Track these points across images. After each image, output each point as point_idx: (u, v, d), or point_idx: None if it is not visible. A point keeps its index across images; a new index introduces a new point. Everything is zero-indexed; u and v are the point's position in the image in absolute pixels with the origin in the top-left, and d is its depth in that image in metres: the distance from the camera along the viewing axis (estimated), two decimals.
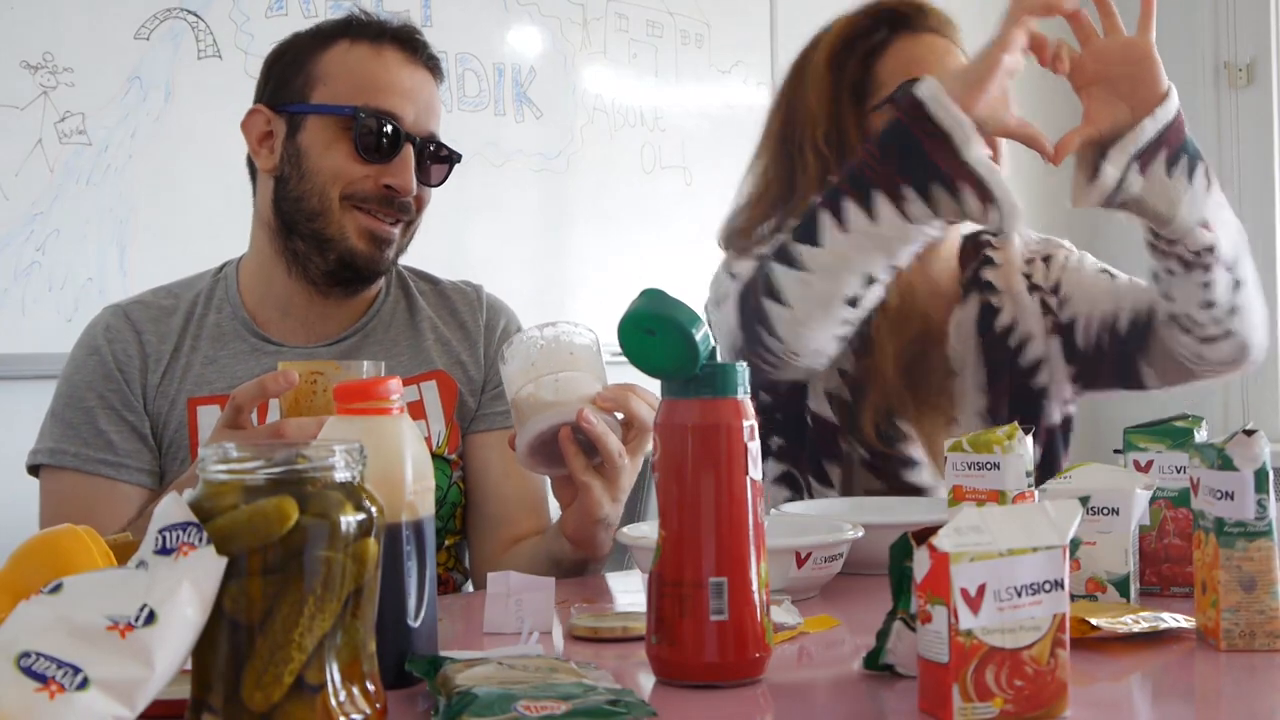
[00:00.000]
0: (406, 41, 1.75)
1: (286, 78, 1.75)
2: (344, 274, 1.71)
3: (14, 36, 2.56)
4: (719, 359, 1.02)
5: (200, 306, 1.76)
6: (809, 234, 1.58)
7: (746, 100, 3.72)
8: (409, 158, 1.70)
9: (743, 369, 1.03)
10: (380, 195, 1.70)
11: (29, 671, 0.77)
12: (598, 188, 3.45)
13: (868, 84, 1.84)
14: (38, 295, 2.55)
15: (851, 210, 1.55)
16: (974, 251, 1.95)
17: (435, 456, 1.71)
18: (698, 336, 1.00)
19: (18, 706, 0.75)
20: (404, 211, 1.71)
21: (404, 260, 1.84)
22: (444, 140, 1.77)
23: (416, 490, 1.02)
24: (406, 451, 1.01)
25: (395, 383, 1.02)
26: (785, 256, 1.61)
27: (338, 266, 1.71)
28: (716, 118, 3.69)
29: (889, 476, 1.82)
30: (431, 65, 1.77)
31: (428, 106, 1.74)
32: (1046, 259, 1.93)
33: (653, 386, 1.05)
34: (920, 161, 1.50)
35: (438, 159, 1.75)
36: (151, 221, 2.64)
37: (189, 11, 2.72)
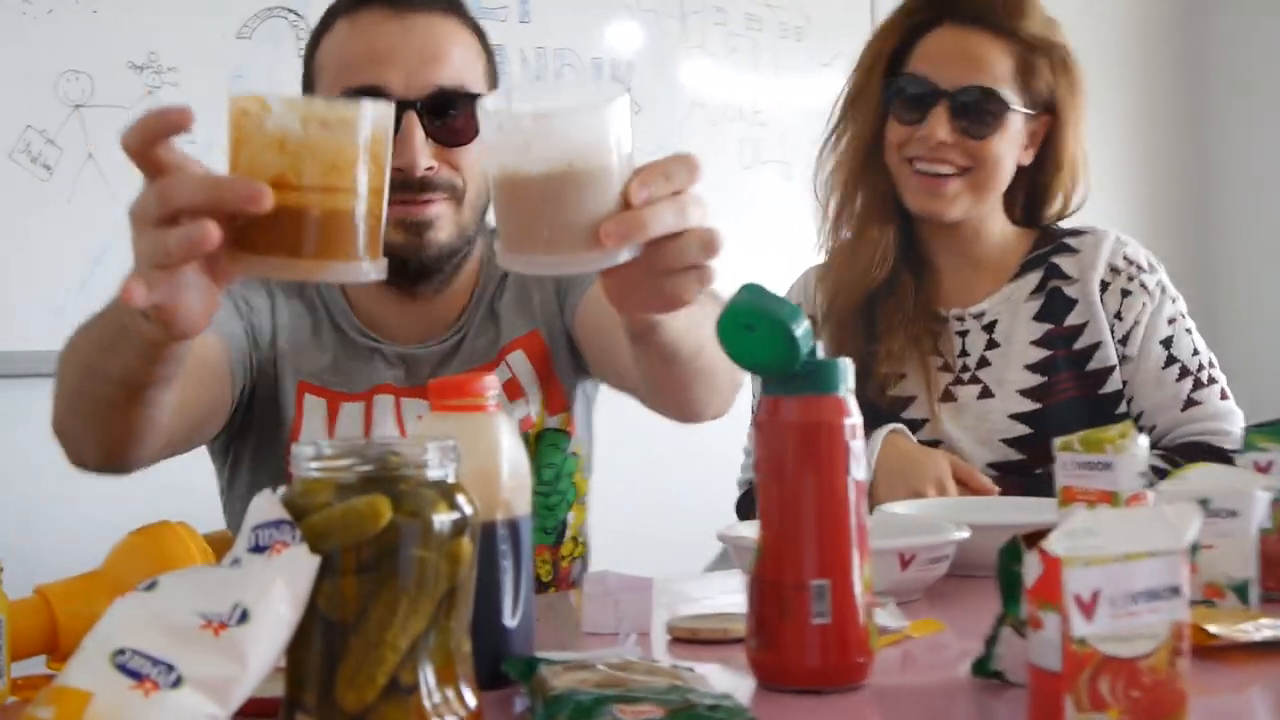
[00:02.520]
0: None
1: (305, 80, 1.64)
2: (403, 272, 1.54)
3: (119, 37, 2.60)
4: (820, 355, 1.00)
5: (319, 298, 1.65)
6: None
7: None
8: (410, 129, 1.49)
9: (845, 365, 1.00)
10: (394, 184, 1.42)
11: (124, 669, 0.76)
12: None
13: (903, 58, 1.89)
14: None
15: None
16: (1049, 237, 1.95)
17: (548, 431, 1.66)
18: (798, 332, 0.97)
19: (113, 704, 0.75)
20: (431, 189, 1.52)
21: None
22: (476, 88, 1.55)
23: (512, 488, 1.00)
24: (502, 449, 1.00)
25: (491, 379, 1.01)
26: None
27: (391, 270, 1.55)
28: (817, 111, 3.63)
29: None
30: (429, 3, 1.56)
31: (425, 55, 1.52)
32: (1127, 292, 1.88)
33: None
34: None
35: (457, 112, 1.52)
36: None
37: (289, 10, 2.74)
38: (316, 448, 0.83)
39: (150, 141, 0.94)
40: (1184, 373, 1.84)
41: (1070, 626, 0.84)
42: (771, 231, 3.48)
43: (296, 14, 2.74)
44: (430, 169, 1.51)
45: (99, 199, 2.62)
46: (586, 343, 1.62)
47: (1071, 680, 0.84)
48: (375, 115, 0.95)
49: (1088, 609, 0.84)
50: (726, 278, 1.02)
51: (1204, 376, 1.85)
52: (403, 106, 1.47)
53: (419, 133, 1.50)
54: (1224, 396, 1.85)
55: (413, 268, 1.56)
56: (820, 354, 1.00)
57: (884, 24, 1.96)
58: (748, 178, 3.52)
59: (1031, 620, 0.87)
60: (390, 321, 1.64)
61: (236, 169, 0.93)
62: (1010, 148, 1.86)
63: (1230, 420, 1.82)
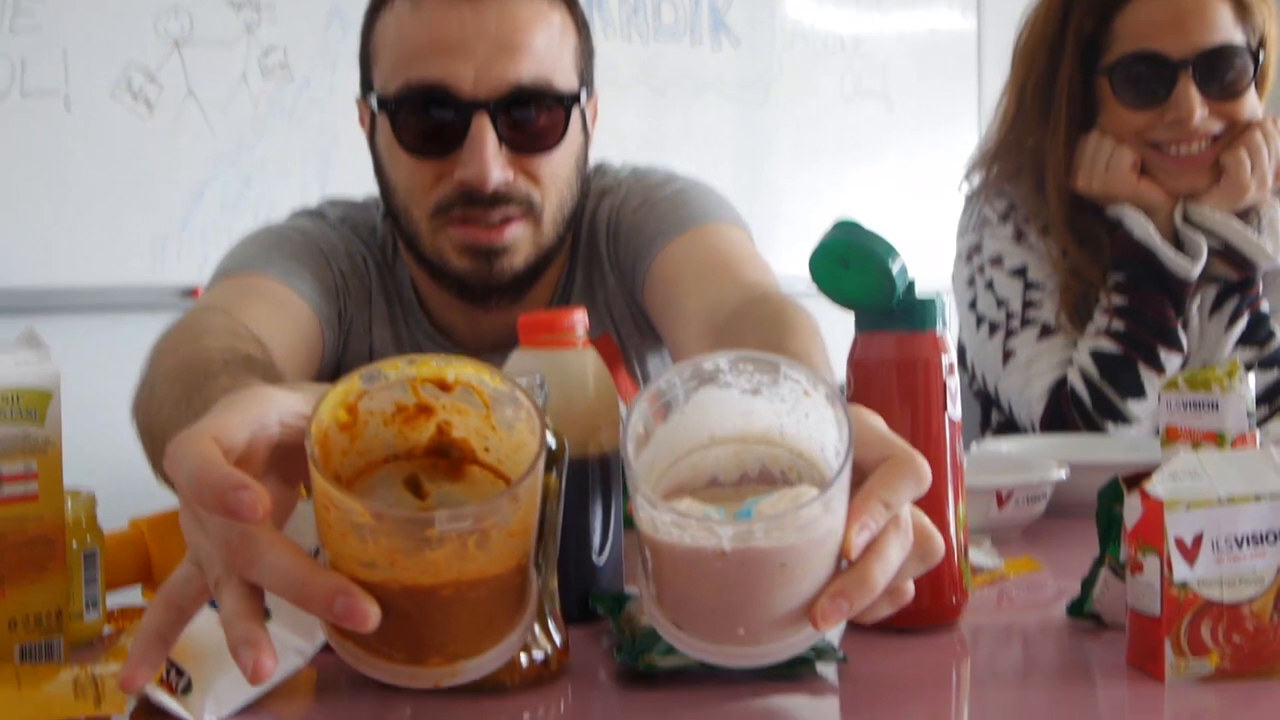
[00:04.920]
0: None
1: (362, 59, 1.43)
2: (471, 293, 1.40)
3: None
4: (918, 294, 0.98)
5: (400, 304, 1.50)
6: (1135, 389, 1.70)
7: (949, 24, 3.61)
8: (481, 135, 1.29)
9: (942, 301, 0.98)
10: (461, 196, 1.33)
11: (213, 602, 0.77)
12: (796, 117, 3.39)
13: (1101, 39, 1.76)
14: (246, 227, 2.60)
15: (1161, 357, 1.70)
16: None
17: None
18: (894, 269, 0.95)
19: (203, 632, 0.76)
20: (504, 203, 1.33)
21: None
22: (562, 78, 1.34)
23: (603, 424, 0.99)
24: (591, 385, 0.99)
25: (580, 314, 1.00)
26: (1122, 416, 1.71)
27: (459, 291, 1.40)
28: (918, 43, 3.59)
29: None
30: None
31: (501, 45, 1.30)
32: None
33: (843, 322, 1.00)
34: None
35: (537, 113, 1.32)
36: (353, 153, 2.67)
37: None
38: None
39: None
40: None
41: (1171, 570, 0.82)
42: (871, 164, 3.44)
43: None
44: (505, 181, 1.33)
45: (200, 136, 2.65)
46: (653, 314, 1.45)
47: (1171, 624, 0.82)
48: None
49: (1190, 553, 0.82)
50: (827, 212, 1.00)
51: None
52: (473, 107, 1.30)
53: (491, 138, 1.30)
54: None
55: (480, 291, 1.41)
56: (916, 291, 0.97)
57: (1052, 12, 1.79)
58: (848, 110, 3.47)
59: (1131, 563, 0.85)
60: (461, 329, 1.49)
61: (328, 549, 0.68)
62: (1256, 96, 1.75)
63: None
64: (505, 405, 0.73)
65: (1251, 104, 1.74)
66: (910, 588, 0.77)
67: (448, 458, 0.75)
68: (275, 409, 0.72)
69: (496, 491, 0.74)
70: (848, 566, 0.72)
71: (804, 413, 0.76)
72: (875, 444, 0.75)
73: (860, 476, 0.73)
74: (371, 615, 0.65)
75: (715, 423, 0.77)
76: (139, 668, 0.71)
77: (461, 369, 0.73)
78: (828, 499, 0.69)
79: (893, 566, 0.73)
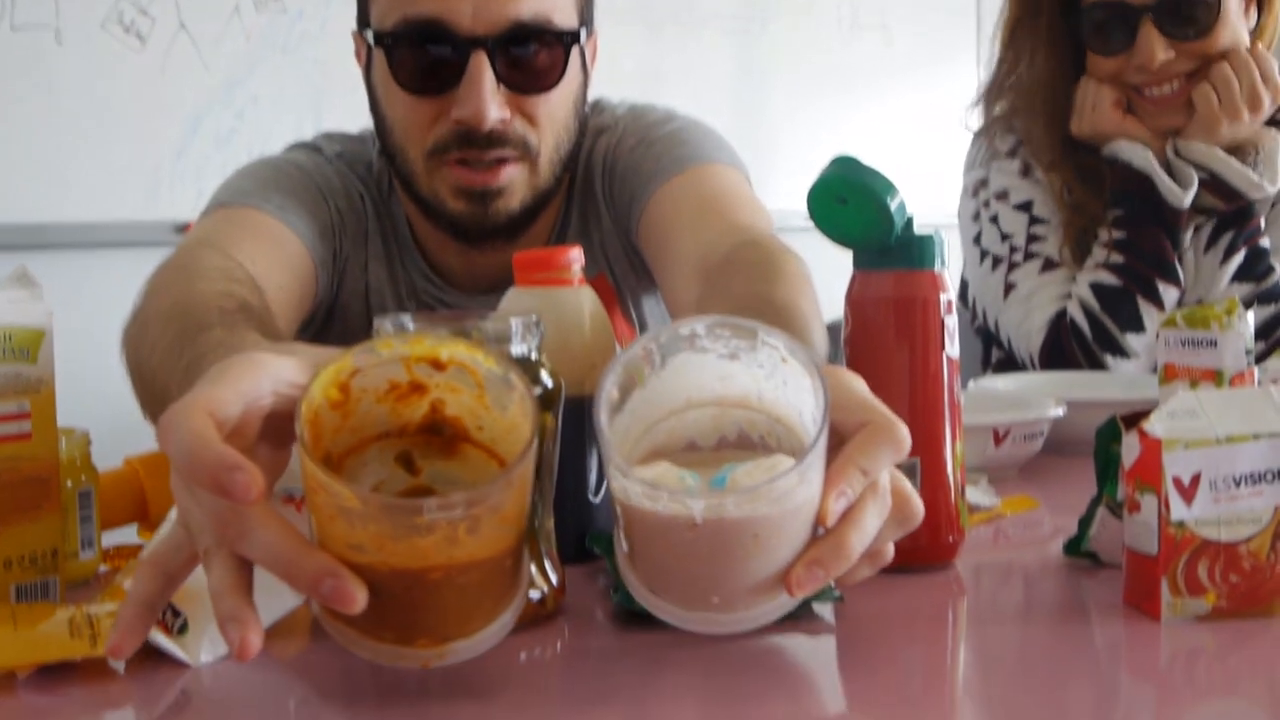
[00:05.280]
0: None
1: (359, 1, 1.40)
2: (466, 237, 1.39)
3: None
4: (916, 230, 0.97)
5: (396, 244, 1.48)
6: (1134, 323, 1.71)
7: None
8: (478, 73, 1.27)
9: (940, 239, 0.97)
10: (458, 136, 1.31)
11: None
12: (794, 51, 3.35)
13: None
14: (239, 162, 2.58)
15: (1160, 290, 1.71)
16: None
17: None
18: (893, 205, 0.95)
19: (200, 575, 0.76)
20: (500, 144, 1.31)
21: None
22: (558, 16, 1.31)
23: (599, 363, 0.99)
24: (587, 323, 0.98)
25: (576, 252, 0.99)
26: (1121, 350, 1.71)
27: (454, 233, 1.39)
28: None
29: None
30: None
31: None
32: None
33: (843, 259, 0.99)
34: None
35: (535, 51, 1.31)
36: (346, 89, 2.65)
37: None
38: (399, 325, 0.82)
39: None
40: None
41: (1168, 510, 0.82)
42: (870, 99, 3.41)
43: None
44: (502, 120, 1.31)
45: (192, 70, 2.62)
46: (647, 254, 1.43)
47: (1168, 564, 0.82)
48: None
49: (1187, 492, 0.82)
50: (824, 148, 0.99)
51: None
52: (471, 44, 1.28)
53: (489, 76, 1.28)
54: None
55: (476, 233, 1.39)
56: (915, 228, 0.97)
57: None
58: (846, 44, 3.44)
59: (1129, 502, 0.85)
60: (457, 270, 1.47)
61: (316, 528, 0.68)
62: (1237, 23, 1.74)
63: None
64: (499, 386, 0.73)
65: (1227, 35, 1.72)
66: (890, 550, 0.78)
67: (441, 435, 0.75)
68: (269, 378, 0.71)
69: (489, 470, 0.74)
70: (824, 533, 0.72)
71: (782, 379, 0.76)
72: (855, 409, 0.76)
73: (839, 441, 0.74)
74: (359, 598, 0.65)
75: (692, 387, 0.78)
76: (127, 636, 0.71)
77: (455, 348, 0.72)
78: (803, 469, 0.69)
79: (869, 533, 0.74)
